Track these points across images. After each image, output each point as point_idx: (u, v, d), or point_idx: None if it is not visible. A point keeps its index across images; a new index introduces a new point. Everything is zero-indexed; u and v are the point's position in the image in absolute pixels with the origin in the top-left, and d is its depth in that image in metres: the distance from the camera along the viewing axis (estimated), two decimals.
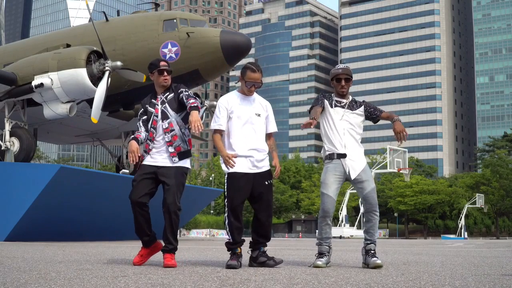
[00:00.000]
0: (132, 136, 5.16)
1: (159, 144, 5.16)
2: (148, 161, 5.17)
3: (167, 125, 5.16)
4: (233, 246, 5.07)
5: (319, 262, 5.15)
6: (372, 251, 5.17)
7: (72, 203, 15.48)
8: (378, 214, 5.24)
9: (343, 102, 5.32)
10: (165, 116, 5.18)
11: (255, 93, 5.33)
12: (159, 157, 5.15)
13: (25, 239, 14.24)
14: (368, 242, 5.22)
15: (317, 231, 5.35)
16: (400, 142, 5.10)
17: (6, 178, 15.18)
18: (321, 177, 5.28)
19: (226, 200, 5.13)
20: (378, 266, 5.03)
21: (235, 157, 5.09)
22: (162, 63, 5.24)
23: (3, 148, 16.91)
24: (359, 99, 5.52)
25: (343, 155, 5.19)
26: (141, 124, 5.24)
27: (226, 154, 5.03)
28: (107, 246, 11.09)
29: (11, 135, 16.98)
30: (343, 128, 5.23)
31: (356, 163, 5.22)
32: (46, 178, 14.36)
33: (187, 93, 5.17)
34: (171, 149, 5.13)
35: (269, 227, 5.32)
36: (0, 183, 15.16)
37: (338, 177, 5.19)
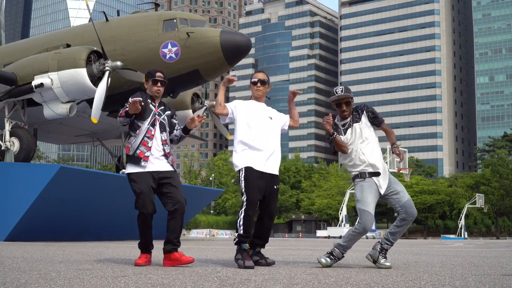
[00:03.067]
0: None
1: (157, 151, 5.21)
2: (147, 168, 5.15)
3: (165, 137, 5.30)
4: (246, 238, 5.05)
5: (323, 260, 5.17)
6: (385, 252, 5.24)
7: (72, 203, 15.47)
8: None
9: (346, 123, 5.34)
10: (163, 129, 5.29)
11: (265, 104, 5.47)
12: (159, 162, 5.20)
13: (25, 239, 14.24)
14: (389, 244, 5.25)
15: (344, 237, 5.29)
16: (400, 159, 5.21)
17: (6, 178, 15.18)
18: (357, 195, 5.24)
19: (244, 193, 5.09)
20: (387, 268, 5.11)
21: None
22: (158, 74, 5.34)
23: (3, 148, 16.90)
24: (359, 101, 5.55)
25: (376, 174, 5.21)
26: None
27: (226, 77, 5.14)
28: (107, 246, 11.09)
29: (11, 135, 16.97)
30: (359, 147, 5.24)
31: (384, 177, 5.25)
32: (46, 178, 14.35)
33: (179, 127, 5.42)
34: (168, 160, 5.28)
35: (269, 230, 5.41)
36: (0, 183, 15.16)
37: (376, 196, 5.21)
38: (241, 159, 5.18)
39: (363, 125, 5.30)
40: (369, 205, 5.11)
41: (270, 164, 5.22)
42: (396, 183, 5.26)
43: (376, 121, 5.35)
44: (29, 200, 14.40)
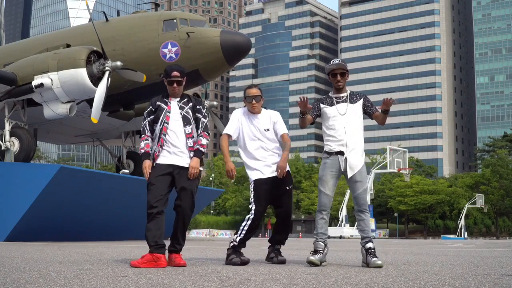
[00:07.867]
0: (143, 151, 5.09)
1: (178, 144, 5.06)
2: (163, 160, 5.06)
3: (190, 131, 5.11)
4: (241, 247, 5.52)
5: (312, 258, 5.20)
6: (372, 250, 5.22)
7: (72, 203, 15.47)
8: (368, 211, 5.43)
9: (343, 97, 5.46)
10: (187, 122, 5.11)
11: (263, 109, 5.73)
12: (177, 157, 5.06)
13: (25, 239, 14.24)
14: (366, 240, 5.29)
15: (315, 228, 5.48)
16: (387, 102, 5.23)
17: (6, 178, 15.18)
18: (319, 173, 5.47)
19: (252, 203, 5.60)
20: (378, 266, 5.08)
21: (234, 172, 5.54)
22: (174, 73, 5.11)
23: (3, 148, 16.90)
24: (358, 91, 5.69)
25: (341, 153, 5.35)
26: (147, 126, 5.15)
27: (229, 167, 5.47)
28: (107, 246, 11.10)
29: (11, 135, 16.97)
30: (345, 126, 5.35)
31: (354, 162, 5.33)
32: (46, 178, 14.36)
33: (205, 120, 5.23)
34: (192, 154, 5.10)
35: (288, 227, 5.86)
36: (0, 183, 15.16)
37: (335, 173, 5.40)
38: (250, 171, 5.61)
39: (358, 110, 5.44)
40: (326, 184, 5.36)
41: (274, 169, 5.56)
42: (361, 173, 5.35)
43: (372, 109, 5.49)
44: (29, 200, 14.40)
